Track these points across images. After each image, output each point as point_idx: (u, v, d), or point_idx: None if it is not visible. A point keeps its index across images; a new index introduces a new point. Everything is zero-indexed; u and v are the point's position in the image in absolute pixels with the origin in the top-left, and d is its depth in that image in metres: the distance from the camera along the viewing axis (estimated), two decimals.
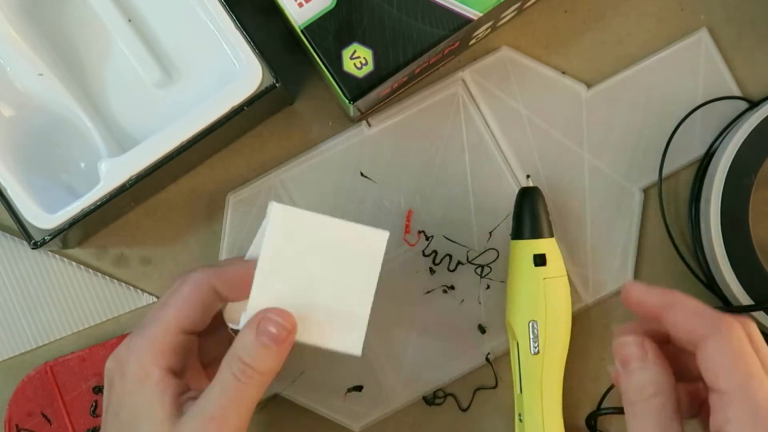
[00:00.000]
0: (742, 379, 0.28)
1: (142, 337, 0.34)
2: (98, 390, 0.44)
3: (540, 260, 0.42)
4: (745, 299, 0.42)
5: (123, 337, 0.44)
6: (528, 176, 0.45)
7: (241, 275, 0.35)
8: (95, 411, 0.44)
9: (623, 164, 0.46)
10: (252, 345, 0.33)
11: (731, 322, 0.29)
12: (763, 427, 0.27)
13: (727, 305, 0.44)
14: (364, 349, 0.35)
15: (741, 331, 0.29)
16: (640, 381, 0.30)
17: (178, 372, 0.35)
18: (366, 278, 0.36)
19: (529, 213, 0.43)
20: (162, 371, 0.34)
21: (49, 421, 0.44)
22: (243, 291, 0.35)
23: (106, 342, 0.45)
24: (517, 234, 0.43)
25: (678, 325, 0.31)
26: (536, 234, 0.42)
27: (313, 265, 0.35)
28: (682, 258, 0.45)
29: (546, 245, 0.42)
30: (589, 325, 0.46)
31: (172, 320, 0.35)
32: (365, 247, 0.36)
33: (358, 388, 0.45)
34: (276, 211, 0.35)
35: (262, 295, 0.35)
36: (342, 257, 0.36)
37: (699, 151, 0.46)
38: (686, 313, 0.30)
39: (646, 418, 0.30)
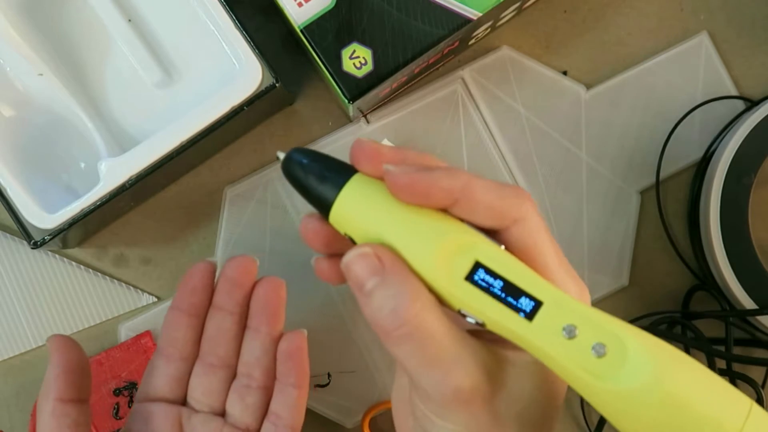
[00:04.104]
0: (556, 251, 0.26)
1: None
2: (118, 392, 0.44)
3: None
4: (745, 299, 0.42)
5: (138, 336, 0.45)
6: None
7: None
8: (117, 413, 0.44)
9: (621, 166, 0.46)
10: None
11: (528, 197, 0.26)
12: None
13: (727, 305, 0.44)
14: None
15: (535, 205, 0.27)
16: (388, 303, 0.23)
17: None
18: None
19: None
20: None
21: None
22: None
23: (121, 344, 0.45)
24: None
25: (484, 209, 0.25)
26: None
27: None
28: (681, 258, 0.45)
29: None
30: None
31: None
32: None
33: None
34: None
35: None
36: None
37: (697, 154, 0.46)
38: (490, 195, 0.25)
39: (415, 350, 0.24)
